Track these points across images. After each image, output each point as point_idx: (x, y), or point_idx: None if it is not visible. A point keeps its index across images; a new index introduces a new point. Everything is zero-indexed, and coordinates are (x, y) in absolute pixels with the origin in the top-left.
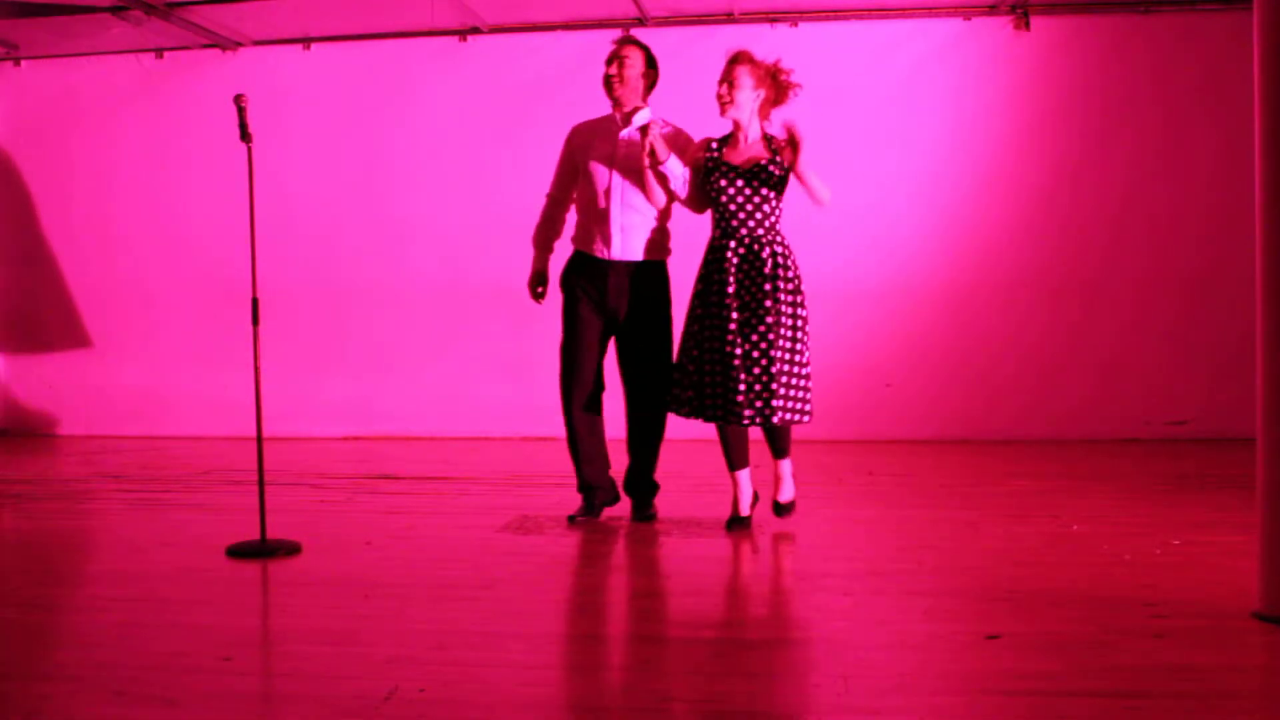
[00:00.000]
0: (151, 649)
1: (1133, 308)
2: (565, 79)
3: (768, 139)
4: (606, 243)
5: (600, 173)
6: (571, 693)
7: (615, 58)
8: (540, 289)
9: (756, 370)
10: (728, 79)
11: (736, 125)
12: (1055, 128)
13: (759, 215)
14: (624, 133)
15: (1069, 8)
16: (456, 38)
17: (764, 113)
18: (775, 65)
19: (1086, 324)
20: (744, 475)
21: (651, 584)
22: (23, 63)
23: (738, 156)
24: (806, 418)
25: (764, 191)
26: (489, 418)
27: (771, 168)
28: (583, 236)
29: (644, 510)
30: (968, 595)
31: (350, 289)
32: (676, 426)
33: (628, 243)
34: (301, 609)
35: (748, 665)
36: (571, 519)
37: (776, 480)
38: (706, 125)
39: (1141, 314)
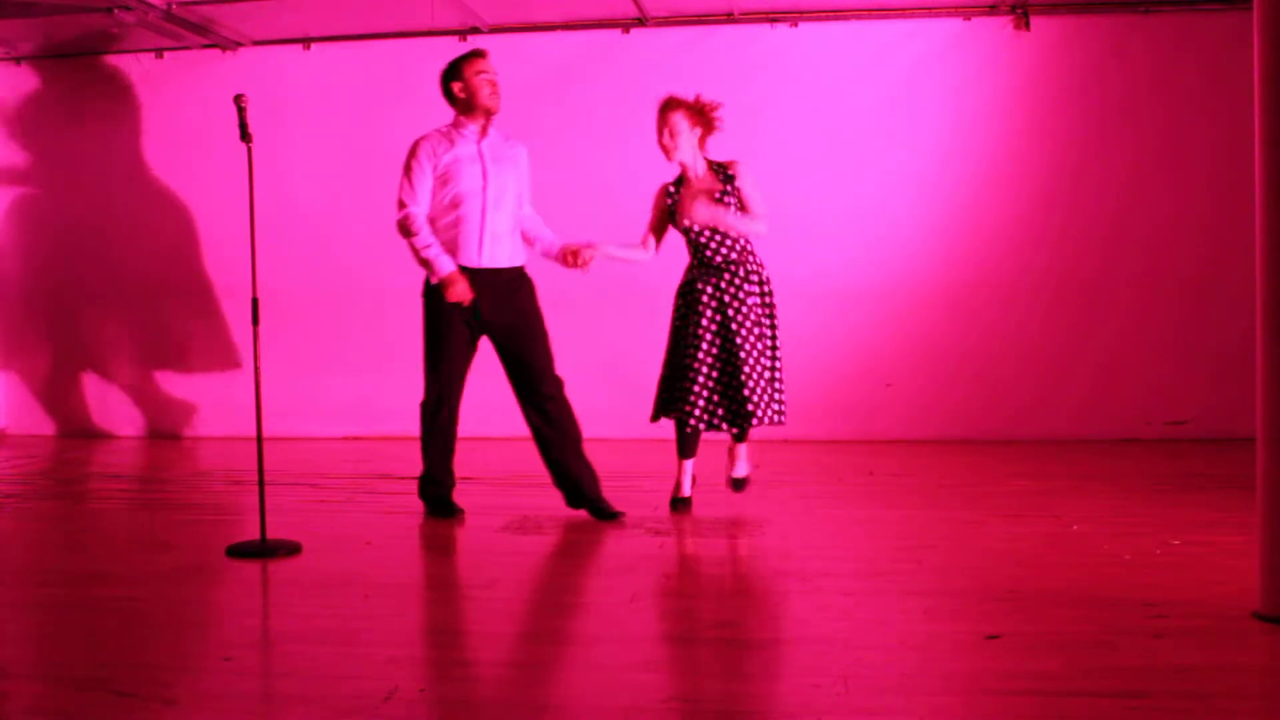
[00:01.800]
0: (151, 649)
1: (1133, 308)
2: (565, 79)
3: (715, 167)
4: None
5: (472, 180)
6: (572, 693)
7: (494, 77)
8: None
9: (758, 379)
10: (666, 128)
11: (684, 166)
12: (1055, 128)
13: (729, 242)
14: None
15: (1069, 8)
16: (456, 38)
17: (702, 145)
18: (698, 100)
19: (1086, 324)
20: (691, 464)
21: (651, 584)
22: (23, 63)
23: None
24: (774, 419)
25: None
26: (489, 418)
27: (726, 198)
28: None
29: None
30: (968, 595)
31: (350, 289)
32: (673, 427)
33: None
34: (301, 609)
35: (748, 665)
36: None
37: (734, 459)
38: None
39: (1141, 314)
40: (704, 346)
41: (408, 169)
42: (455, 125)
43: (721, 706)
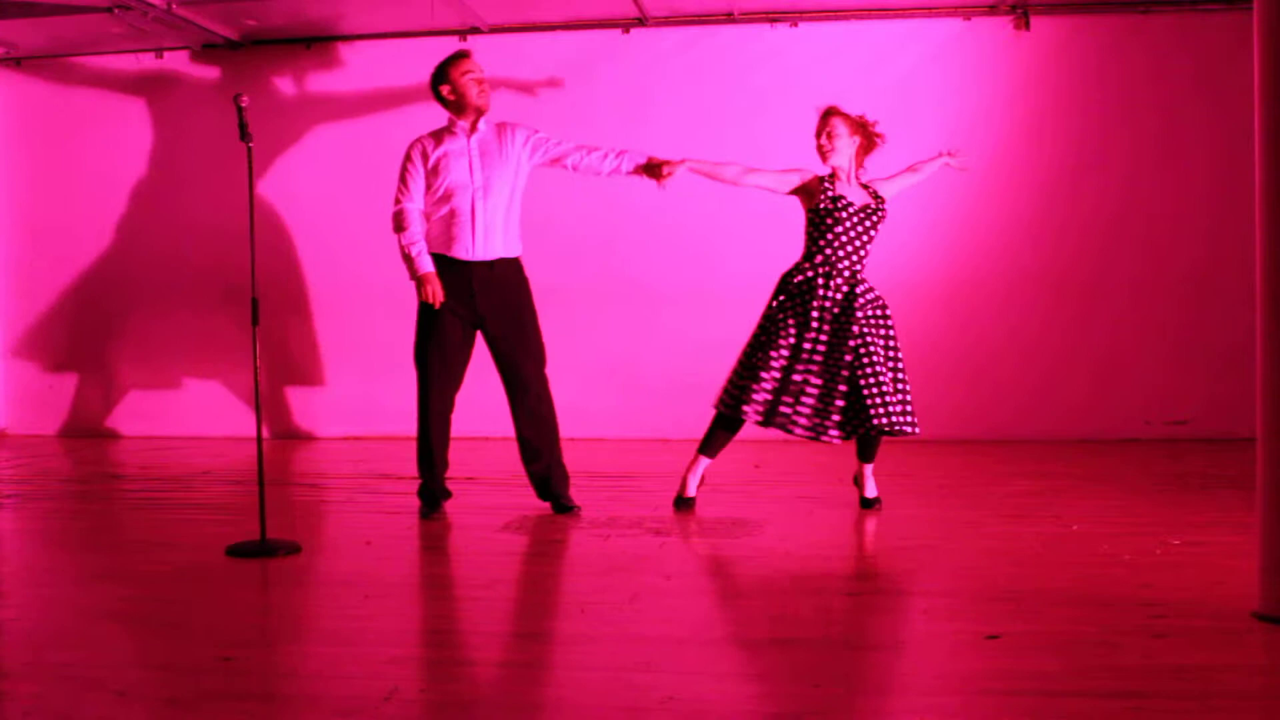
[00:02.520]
0: (151, 649)
1: (1132, 307)
2: (565, 79)
3: (865, 186)
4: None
5: (462, 176)
6: (572, 693)
7: (481, 76)
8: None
9: (860, 387)
10: (825, 130)
11: (836, 170)
12: (1054, 128)
13: (861, 254)
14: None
15: (1069, 8)
16: (456, 38)
17: (859, 160)
18: (863, 118)
19: (1086, 324)
20: (705, 465)
21: (651, 584)
22: (23, 63)
23: (855, 196)
24: (911, 429)
25: (871, 234)
26: (489, 418)
27: (878, 215)
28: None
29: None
30: (968, 595)
31: (350, 289)
32: (673, 427)
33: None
34: (301, 609)
35: (748, 665)
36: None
37: (865, 479)
38: (710, 123)
39: (1141, 314)
40: (800, 347)
41: (401, 170)
42: (447, 126)
43: (721, 706)
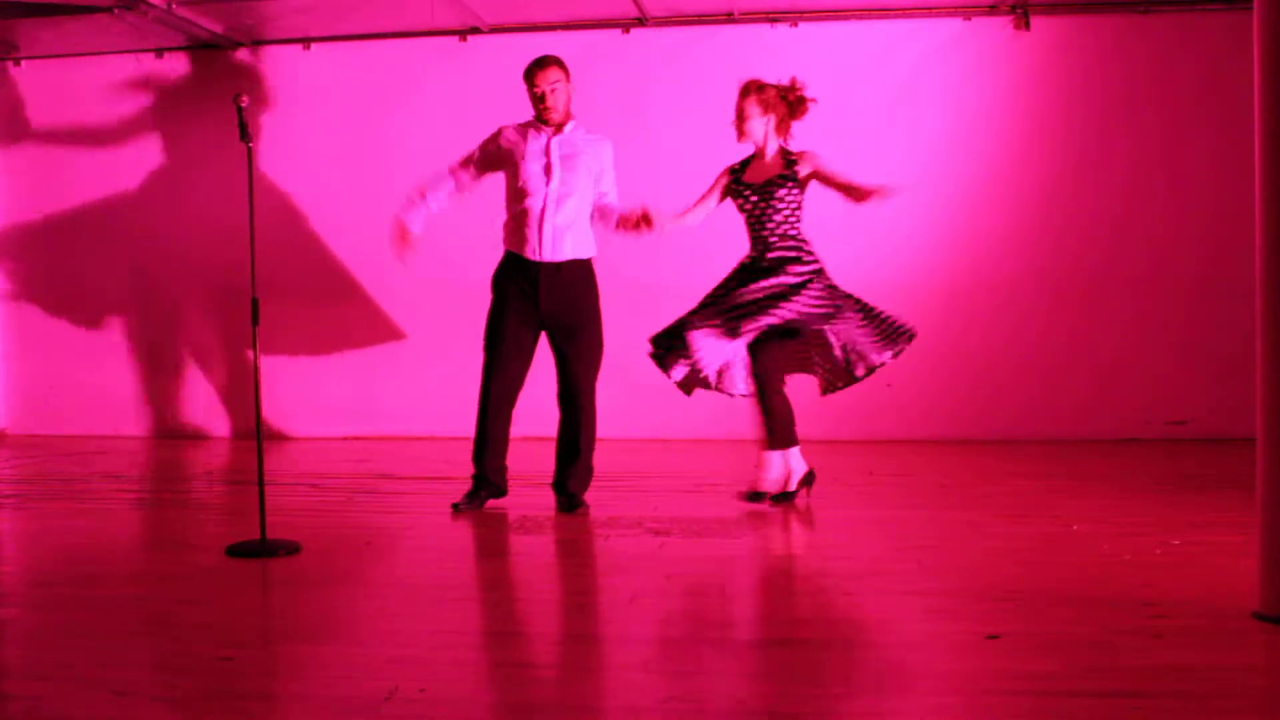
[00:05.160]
0: (151, 649)
1: (1133, 308)
2: None
3: (784, 154)
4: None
5: (536, 176)
6: (572, 693)
7: (543, 89)
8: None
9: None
10: (737, 113)
11: (757, 147)
12: (1055, 128)
13: (770, 226)
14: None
15: (1069, 8)
16: (456, 38)
17: (782, 130)
18: (782, 86)
19: (1087, 324)
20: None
21: (651, 584)
22: (23, 63)
23: (756, 176)
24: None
25: (775, 204)
26: None
27: (781, 185)
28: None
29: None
30: (968, 595)
31: (350, 289)
32: (673, 427)
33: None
34: (301, 609)
35: (748, 665)
36: (457, 507)
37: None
38: (709, 123)
39: (1142, 314)
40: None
41: (480, 144)
42: (533, 121)
43: (721, 706)
